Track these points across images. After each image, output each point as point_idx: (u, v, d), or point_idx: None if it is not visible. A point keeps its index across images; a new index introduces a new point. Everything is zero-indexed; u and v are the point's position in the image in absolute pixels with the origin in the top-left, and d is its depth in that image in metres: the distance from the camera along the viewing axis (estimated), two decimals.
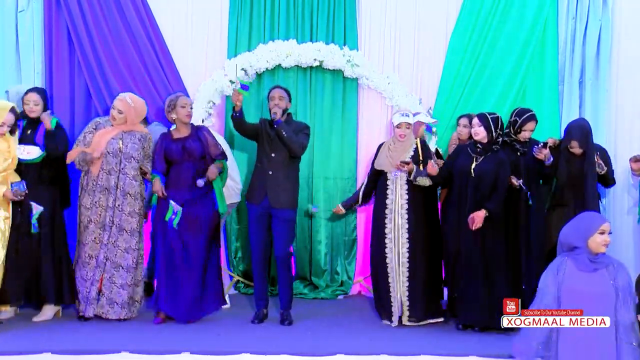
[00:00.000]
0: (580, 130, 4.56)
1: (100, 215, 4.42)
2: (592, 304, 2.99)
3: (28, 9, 5.23)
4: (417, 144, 4.64)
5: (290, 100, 4.59)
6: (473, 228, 4.25)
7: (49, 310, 4.43)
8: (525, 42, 5.42)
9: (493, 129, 4.35)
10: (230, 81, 5.26)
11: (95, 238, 4.43)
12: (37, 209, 4.21)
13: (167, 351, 3.88)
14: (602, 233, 3.04)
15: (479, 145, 4.41)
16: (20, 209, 4.19)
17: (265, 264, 4.58)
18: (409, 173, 4.48)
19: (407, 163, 4.47)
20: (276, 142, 4.44)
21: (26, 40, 5.22)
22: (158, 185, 4.43)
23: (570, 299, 3.03)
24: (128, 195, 4.44)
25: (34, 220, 4.18)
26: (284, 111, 4.49)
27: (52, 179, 4.41)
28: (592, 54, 5.47)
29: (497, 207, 4.30)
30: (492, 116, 4.39)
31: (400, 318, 4.54)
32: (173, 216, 4.36)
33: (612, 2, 5.50)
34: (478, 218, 4.24)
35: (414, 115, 5.00)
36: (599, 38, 5.46)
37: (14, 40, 5.22)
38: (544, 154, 4.40)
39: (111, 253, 4.42)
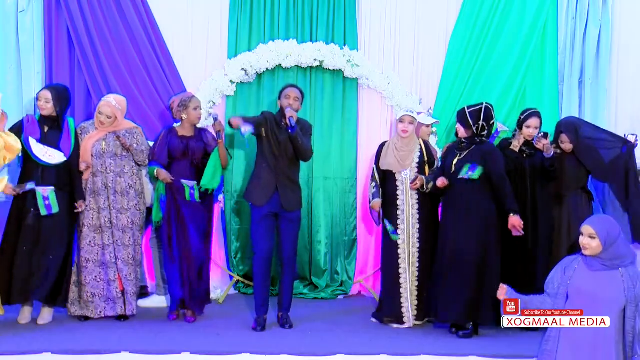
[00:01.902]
0: (568, 125, 4.62)
1: (93, 218, 4.45)
2: (599, 309, 2.94)
3: (28, 9, 5.22)
4: (421, 145, 4.64)
5: (302, 102, 4.52)
6: (520, 233, 4.22)
7: (46, 313, 4.43)
8: (525, 42, 5.41)
9: (472, 122, 4.32)
10: (231, 81, 5.29)
11: (90, 241, 4.44)
12: (45, 191, 4.22)
13: (167, 351, 3.88)
14: (582, 235, 3.01)
15: (463, 141, 4.41)
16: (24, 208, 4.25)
17: (268, 267, 4.46)
18: (422, 187, 4.45)
19: (414, 180, 4.46)
20: (285, 144, 4.34)
21: (26, 40, 5.21)
22: (165, 174, 4.44)
23: (576, 300, 3.00)
24: (116, 193, 4.47)
25: (48, 203, 4.20)
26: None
27: (68, 183, 4.37)
28: (592, 54, 5.47)
29: (515, 204, 4.25)
30: (471, 109, 4.35)
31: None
32: (192, 191, 4.42)
33: (612, 2, 5.50)
34: (515, 223, 4.19)
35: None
36: (599, 38, 5.46)
37: (15, 40, 5.21)
38: (542, 144, 4.41)
39: (118, 252, 4.46)
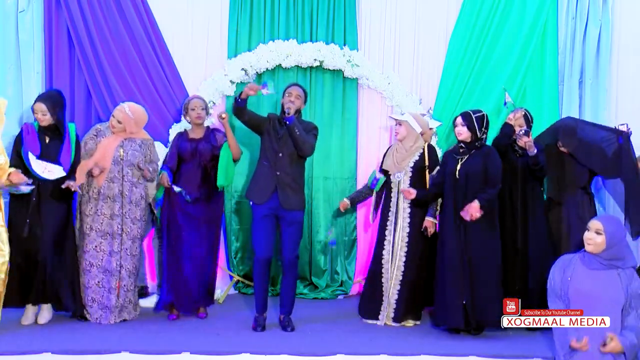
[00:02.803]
0: (566, 130, 4.66)
1: (102, 223, 4.43)
2: (601, 309, 2.95)
3: (28, 9, 5.21)
4: (424, 149, 4.62)
5: (305, 102, 4.52)
6: (469, 219, 4.13)
7: (46, 312, 4.42)
8: (525, 42, 5.41)
9: (477, 128, 4.29)
10: (231, 81, 5.30)
11: (96, 246, 4.42)
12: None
13: (167, 351, 3.88)
14: (588, 230, 3.03)
15: (462, 145, 4.37)
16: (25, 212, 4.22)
17: (267, 268, 4.42)
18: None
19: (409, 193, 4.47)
20: (285, 140, 4.33)
21: (26, 40, 5.20)
22: (165, 177, 4.48)
23: (577, 300, 3.00)
24: (131, 202, 4.47)
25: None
26: (297, 111, 4.41)
27: (66, 193, 4.31)
28: (592, 54, 5.47)
29: (490, 201, 4.19)
30: (476, 115, 4.33)
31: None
32: (183, 194, 4.46)
33: (612, 2, 5.50)
34: (472, 209, 4.12)
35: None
36: (598, 38, 5.46)
37: (15, 40, 5.20)
38: (524, 141, 4.39)
39: (125, 261, 4.45)
